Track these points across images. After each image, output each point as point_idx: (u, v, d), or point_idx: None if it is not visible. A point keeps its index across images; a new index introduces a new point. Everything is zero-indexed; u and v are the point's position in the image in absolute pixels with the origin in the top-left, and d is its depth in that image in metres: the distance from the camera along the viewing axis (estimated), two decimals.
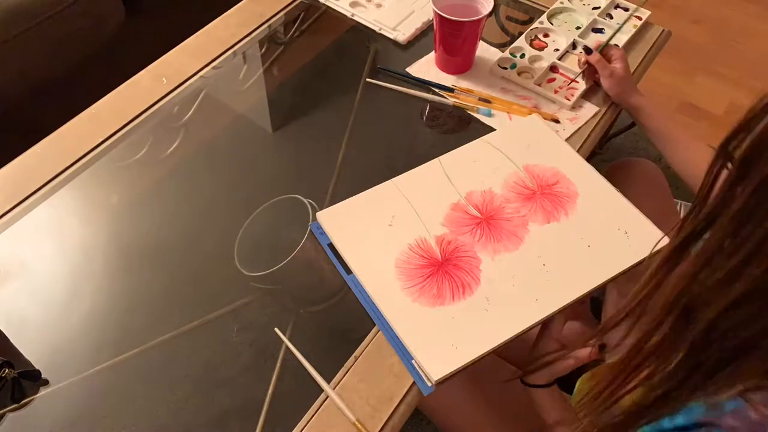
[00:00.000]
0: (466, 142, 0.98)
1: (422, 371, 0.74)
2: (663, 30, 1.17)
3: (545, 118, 1.01)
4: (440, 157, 0.94)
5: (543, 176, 0.92)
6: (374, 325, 0.80)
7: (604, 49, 1.03)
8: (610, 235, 0.85)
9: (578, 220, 0.86)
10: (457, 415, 0.92)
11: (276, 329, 0.79)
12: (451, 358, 0.74)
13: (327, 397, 0.75)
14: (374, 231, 0.85)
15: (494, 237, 0.85)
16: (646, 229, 0.85)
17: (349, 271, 0.82)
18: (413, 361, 0.75)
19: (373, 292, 0.80)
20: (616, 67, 1.01)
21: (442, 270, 0.82)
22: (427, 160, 0.94)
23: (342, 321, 0.81)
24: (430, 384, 0.74)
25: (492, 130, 1.00)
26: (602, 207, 0.88)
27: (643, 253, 0.79)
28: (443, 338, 0.76)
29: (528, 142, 0.96)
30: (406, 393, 0.75)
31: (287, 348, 0.79)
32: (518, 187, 0.91)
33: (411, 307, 0.79)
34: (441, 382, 0.73)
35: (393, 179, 0.91)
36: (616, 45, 1.08)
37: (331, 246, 0.84)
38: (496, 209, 0.88)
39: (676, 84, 1.94)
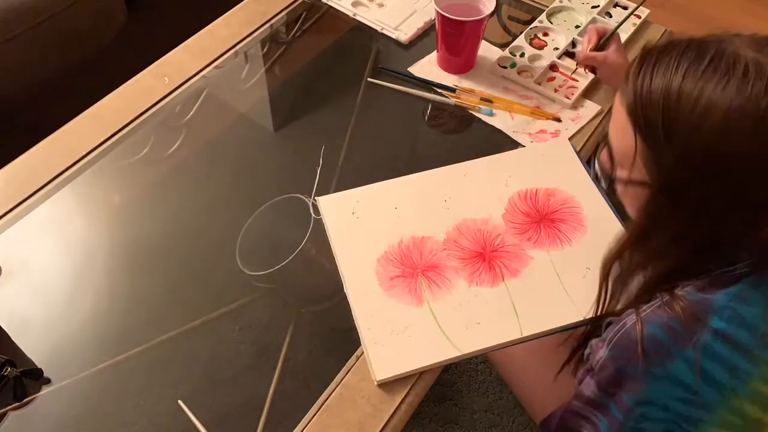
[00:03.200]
0: (468, 142, 0.98)
1: None
2: (665, 30, 1.17)
3: (547, 118, 1.01)
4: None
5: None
6: None
7: (606, 42, 1.00)
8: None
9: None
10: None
11: (179, 401, 0.75)
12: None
13: (328, 396, 0.75)
14: None
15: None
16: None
17: None
18: None
19: None
20: (608, 54, 0.98)
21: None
22: (429, 160, 0.94)
23: (344, 320, 0.81)
24: None
25: (494, 129, 1.00)
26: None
27: None
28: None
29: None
30: (408, 392, 0.75)
31: (288, 347, 0.79)
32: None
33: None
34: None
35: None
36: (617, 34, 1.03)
37: None
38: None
39: None
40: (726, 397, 0.58)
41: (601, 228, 0.88)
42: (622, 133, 0.61)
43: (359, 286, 0.81)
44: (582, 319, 0.78)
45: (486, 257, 0.85)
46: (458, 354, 0.76)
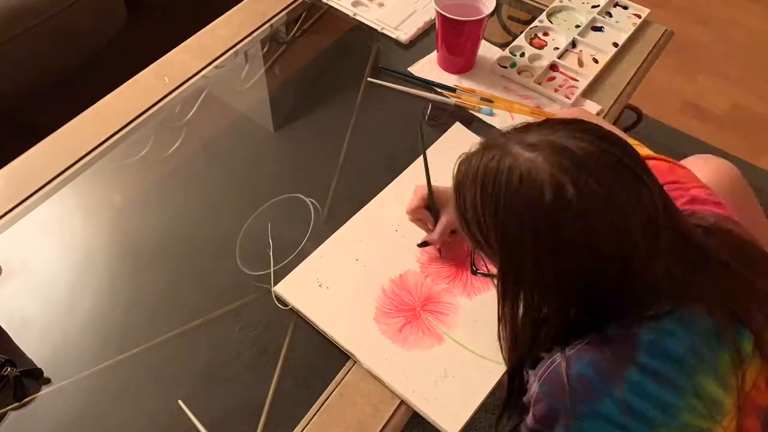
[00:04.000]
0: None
1: None
2: (665, 30, 1.17)
3: (547, 118, 1.01)
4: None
5: None
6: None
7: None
8: None
9: None
10: None
11: (179, 401, 0.75)
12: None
13: (328, 396, 0.75)
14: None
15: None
16: None
17: None
18: None
19: None
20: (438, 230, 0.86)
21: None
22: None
23: None
24: None
25: (494, 129, 1.00)
26: None
27: None
28: None
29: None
30: None
31: (288, 347, 0.79)
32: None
33: None
34: None
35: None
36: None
37: None
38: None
39: (679, 83, 1.93)
40: (657, 430, 0.58)
41: None
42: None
43: (375, 354, 0.77)
44: None
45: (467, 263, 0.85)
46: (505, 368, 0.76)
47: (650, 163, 0.59)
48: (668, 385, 0.58)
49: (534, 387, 0.63)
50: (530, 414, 0.65)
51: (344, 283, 0.83)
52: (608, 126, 0.76)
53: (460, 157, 0.64)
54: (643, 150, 0.82)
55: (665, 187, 0.60)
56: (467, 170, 0.61)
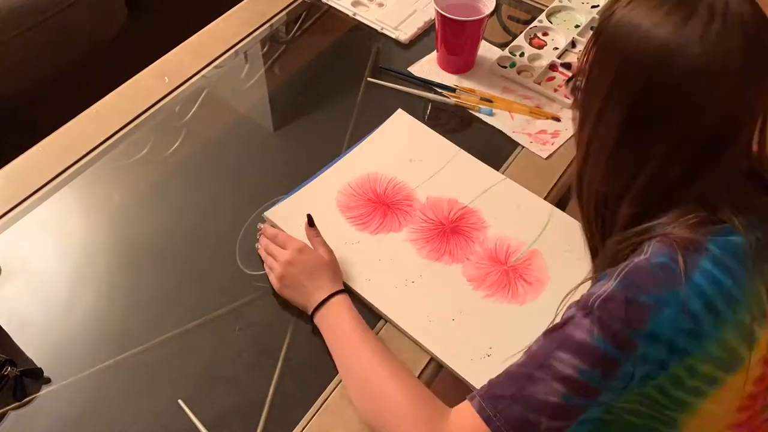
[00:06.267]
0: (467, 142, 0.98)
1: None
2: None
3: (546, 118, 1.01)
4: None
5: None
6: (376, 322, 0.80)
7: None
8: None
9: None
10: None
11: (179, 401, 0.74)
12: None
13: (328, 396, 0.75)
14: None
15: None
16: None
17: None
18: None
19: None
20: None
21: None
22: None
23: None
24: None
25: (494, 129, 1.01)
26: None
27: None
28: None
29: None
30: None
31: (288, 347, 0.79)
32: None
33: None
34: None
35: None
36: None
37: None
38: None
39: None
40: (719, 327, 0.58)
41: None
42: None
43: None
44: None
45: (449, 229, 0.89)
46: None
47: None
48: (734, 279, 0.58)
49: (607, 286, 0.59)
50: (587, 321, 0.59)
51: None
52: None
53: None
54: None
55: None
56: None
